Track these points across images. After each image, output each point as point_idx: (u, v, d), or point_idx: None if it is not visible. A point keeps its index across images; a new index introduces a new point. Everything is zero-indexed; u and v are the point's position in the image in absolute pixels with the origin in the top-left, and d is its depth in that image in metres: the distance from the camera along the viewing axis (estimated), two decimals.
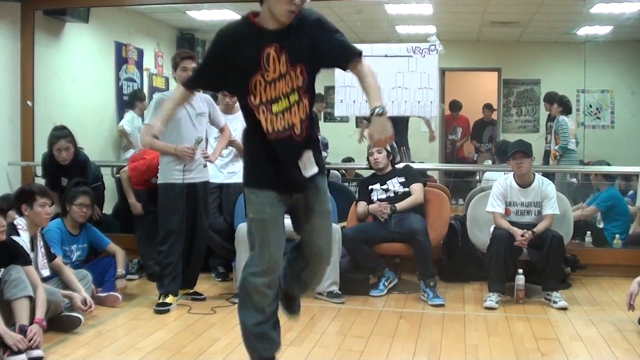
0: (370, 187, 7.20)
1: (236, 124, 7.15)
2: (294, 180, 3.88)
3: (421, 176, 7.46)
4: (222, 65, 3.79)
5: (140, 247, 7.28)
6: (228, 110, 7.20)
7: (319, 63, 3.85)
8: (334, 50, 3.82)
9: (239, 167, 7.20)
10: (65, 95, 9.29)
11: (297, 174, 3.85)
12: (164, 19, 11.85)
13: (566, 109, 10.05)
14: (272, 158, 3.82)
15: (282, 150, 3.81)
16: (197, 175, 6.28)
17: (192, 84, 4.09)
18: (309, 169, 3.89)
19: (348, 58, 3.87)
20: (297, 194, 3.98)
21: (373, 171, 7.31)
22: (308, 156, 3.88)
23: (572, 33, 11.73)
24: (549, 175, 7.91)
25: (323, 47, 3.78)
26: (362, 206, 7.18)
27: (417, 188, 7.03)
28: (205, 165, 6.34)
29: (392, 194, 7.05)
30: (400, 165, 7.41)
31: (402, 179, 7.11)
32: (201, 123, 6.31)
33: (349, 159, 10.57)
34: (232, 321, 5.81)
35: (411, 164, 7.72)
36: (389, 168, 7.23)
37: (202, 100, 6.37)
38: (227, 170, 7.18)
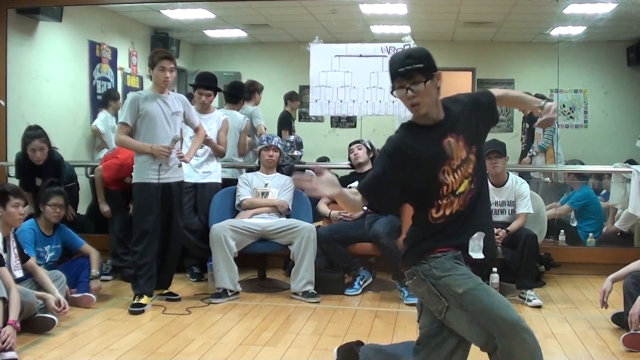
0: (348, 185, 7.21)
1: (211, 123, 7.16)
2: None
3: None
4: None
5: (113, 246, 7.28)
6: (204, 109, 7.20)
7: None
8: None
9: (214, 166, 7.22)
10: (39, 95, 9.23)
11: None
12: (138, 17, 11.79)
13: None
14: None
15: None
16: (172, 175, 6.26)
17: None
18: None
19: None
20: None
21: (353, 170, 7.34)
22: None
23: (546, 33, 11.79)
24: (524, 175, 7.97)
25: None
26: (323, 204, 7.22)
27: None
28: (180, 165, 6.32)
29: None
30: None
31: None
32: (176, 122, 6.28)
33: (324, 159, 10.58)
34: (207, 321, 5.82)
35: None
36: (369, 166, 7.24)
37: (176, 99, 6.35)
38: (202, 169, 7.17)
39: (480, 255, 3.59)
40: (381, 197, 3.62)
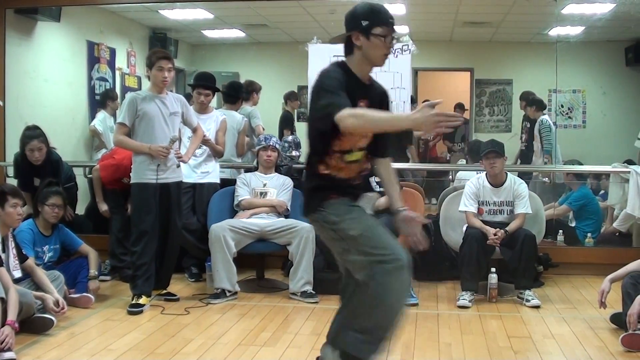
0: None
1: (210, 123, 7.16)
2: None
3: (398, 178, 7.47)
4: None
5: (112, 246, 7.29)
6: (202, 109, 7.20)
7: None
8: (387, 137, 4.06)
9: (212, 166, 7.22)
10: (37, 95, 9.22)
11: None
12: (136, 18, 11.79)
13: (541, 107, 10.15)
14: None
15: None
16: (170, 175, 6.25)
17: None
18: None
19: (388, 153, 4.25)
20: None
21: None
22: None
23: (544, 33, 11.78)
24: (523, 175, 7.97)
25: None
26: None
27: None
28: (178, 165, 6.31)
29: None
30: None
31: (379, 179, 7.11)
32: (174, 122, 6.28)
33: None
34: (205, 321, 5.81)
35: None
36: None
37: (175, 99, 6.35)
38: (201, 170, 7.17)
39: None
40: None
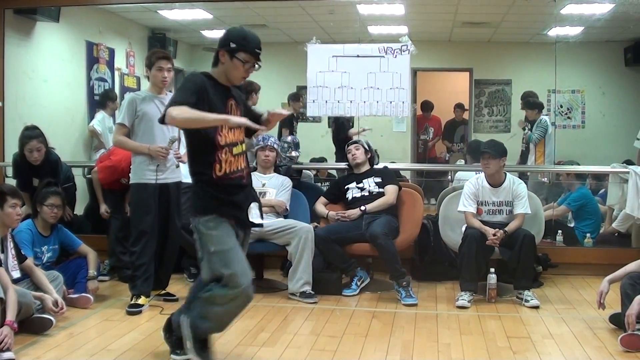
0: (346, 186, 7.22)
1: None
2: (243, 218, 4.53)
3: (397, 179, 7.48)
4: (200, 101, 4.19)
5: (112, 246, 7.28)
6: None
7: None
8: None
9: None
10: (36, 95, 9.22)
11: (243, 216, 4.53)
12: (135, 18, 11.78)
13: (539, 108, 10.15)
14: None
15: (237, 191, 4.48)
16: (170, 176, 6.25)
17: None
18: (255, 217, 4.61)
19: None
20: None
21: (350, 171, 7.35)
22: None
23: (543, 34, 11.78)
24: (522, 176, 7.98)
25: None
26: (320, 205, 7.24)
27: (390, 190, 7.06)
28: (177, 166, 6.31)
29: (366, 193, 7.08)
30: (379, 166, 7.45)
31: (379, 179, 7.15)
32: None
33: (321, 159, 10.57)
34: None
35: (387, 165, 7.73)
36: (367, 167, 7.27)
37: None
38: None
39: (260, 220, 4.64)
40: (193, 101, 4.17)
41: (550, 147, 9.87)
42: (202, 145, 4.29)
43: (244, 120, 4.14)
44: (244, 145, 4.51)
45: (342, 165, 7.74)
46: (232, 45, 4.28)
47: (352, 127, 9.28)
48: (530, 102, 10.36)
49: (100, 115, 9.86)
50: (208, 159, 4.29)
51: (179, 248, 6.73)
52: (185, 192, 6.86)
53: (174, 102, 4.10)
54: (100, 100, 10.22)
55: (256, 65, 4.40)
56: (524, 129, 10.38)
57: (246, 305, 4.42)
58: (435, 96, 14.12)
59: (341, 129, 9.45)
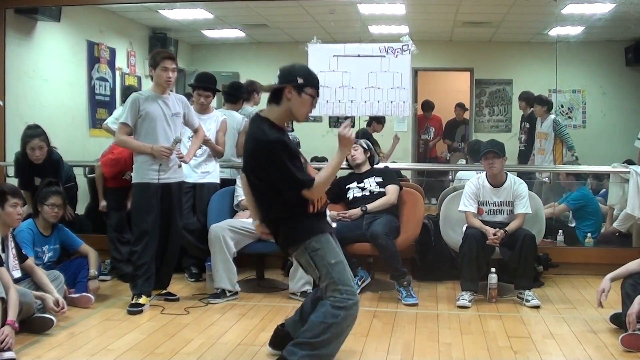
0: (347, 186, 7.22)
1: (210, 123, 7.16)
2: None
3: (398, 179, 7.48)
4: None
5: (110, 236, 7.29)
6: (203, 110, 7.19)
7: None
8: None
9: (212, 166, 7.21)
10: (37, 95, 9.23)
11: None
12: (136, 18, 11.79)
13: (550, 107, 10.15)
14: None
15: None
16: (172, 176, 6.25)
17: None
18: None
19: None
20: None
21: (351, 171, 7.35)
22: None
23: (544, 33, 11.79)
24: (523, 176, 7.97)
25: None
26: None
27: (391, 189, 7.05)
28: (180, 166, 6.31)
29: (367, 193, 7.08)
30: (380, 166, 7.45)
31: (380, 179, 7.14)
32: (176, 123, 6.27)
33: (322, 159, 10.56)
34: (205, 321, 5.82)
35: (389, 165, 7.73)
36: (367, 167, 7.27)
37: (177, 100, 6.35)
38: (201, 170, 7.17)
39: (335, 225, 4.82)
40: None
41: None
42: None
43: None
44: None
45: (342, 165, 7.71)
46: (300, 80, 4.34)
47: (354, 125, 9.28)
48: (543, 99, 10.32)
49: (118, 112, 9.69)
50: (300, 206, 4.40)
51: (180, 248, 6.74)
52: (186, 192, 6.89)
53: (308, 181, 4.29)
54: (123, 96, 9.95)
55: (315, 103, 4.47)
56: (521, 127, 10.41)
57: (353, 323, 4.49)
58: (436, 96, 14.12)
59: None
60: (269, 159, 4.27)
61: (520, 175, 7.85)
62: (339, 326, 4.32)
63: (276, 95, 4.39)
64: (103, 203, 7.45)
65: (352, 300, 4.33)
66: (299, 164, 4.28)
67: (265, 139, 4.27)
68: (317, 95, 4.43)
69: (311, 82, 4.37)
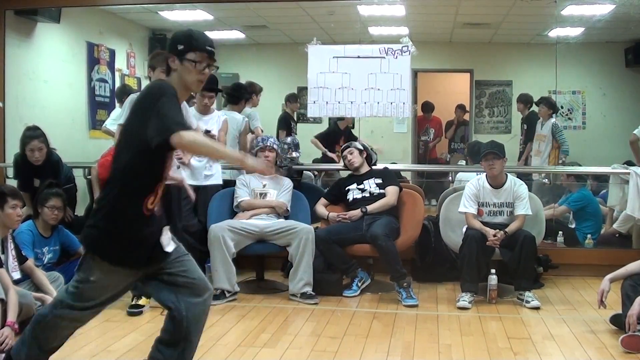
0: (347, 188, 7.22)
1: (212, 124, 7.14)
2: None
3: (398, 180, 7.48)
4: None
5: None
6: (205, 110, 7.18)
7: None
8: None
9: (215, 168, 7.18)
10: (37, 96, 9.22)
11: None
12: (136, 19, 11.80)
13: (555, 111, 10.15)
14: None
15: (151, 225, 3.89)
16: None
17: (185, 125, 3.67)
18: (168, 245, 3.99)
19: None
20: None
21: (351, 172, 7.35)
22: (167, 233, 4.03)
23: (544, 35, 11.80)
24: (522, 177, 7.97)
25: None
26: (320, 206, 7.24)
27: (391, 191, 7.06)
28: (178, 167, 6.29)
29: (367, 194, 7.08)
30: (379, 167, 7.45)
31: (379, 180, 7.15)
32: None
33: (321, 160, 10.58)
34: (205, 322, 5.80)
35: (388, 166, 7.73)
36: (367, 168, 7.27)
37: None
38: (204, 172, 7.13)
39: (172, 246, 4.00)
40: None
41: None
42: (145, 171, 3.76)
43: (260, 166, 3.91)
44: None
45: (339, 166, 7.72)
46: (180, 47, 3.78)
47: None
48: (551, 101, 10.30)
49: (116, 113, 9.68)
50: (138, 192, 3.78)
51: None
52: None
53: (179, 124, 3.51)
54: (118, 95, 10.00)
55: (210, 66, 3.87)
56: (522, 129, 10.42)
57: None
58: (436, 97, 14.13)
59: None
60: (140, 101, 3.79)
61: (518, 176, 7.85)
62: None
63: (167, 68, 3.87)
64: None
65: None
66: (183, 116, 3.69)
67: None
68: (207, 59, 3.81)
69: (191, 45, 3.78)
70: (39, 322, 3.88)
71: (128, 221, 3.73)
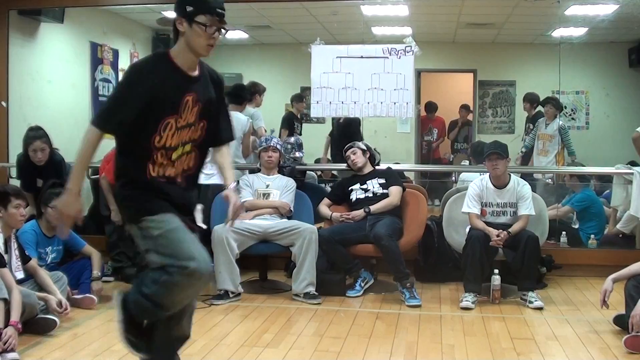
0: (350, 188, 7.21)
1: None
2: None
3: (401, 180, 7.48)
4: (141, 103, 3.64)
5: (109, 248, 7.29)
6: None
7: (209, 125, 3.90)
8: (223, 124, 4.07)
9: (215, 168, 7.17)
10: (40, 96, 9.23)
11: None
12: (139, 19, 11.80)
13: (561, 111, 10.14)
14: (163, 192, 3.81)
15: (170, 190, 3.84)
16: None
17: (110, 127, 3.85)
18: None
19: (228, 139, 4.22)
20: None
21: (354, 172, 7.35)
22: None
23: (547, 35, 11.79)
24: (526, 177, 7.97)
25: (217, 115, 3.96)
26: (324, 207, 7.23)
27: (395, 191, 7.05)
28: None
29: (370, 195, 7.08)
30: (382, 167, 7.45)
31: (382, 180, 7.14)
32: None
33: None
34: (208, 323, 5.81)
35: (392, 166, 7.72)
36: (370, 168, 7.27)
37: None
38: (206, 171, 7.12)
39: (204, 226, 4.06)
40: (124, 113, 3.72)
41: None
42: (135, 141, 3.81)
43: (70, 214, 3.93)
44: (188, 146, 3.86)
45: (343, 166, 7.71)
46: (189, 9, 3.63)
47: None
48: (558, 102, 10.28)
49: None
50: (138, 161, 3.82)
51: None
52: None
53: (99, 117, 3.84)
54: None
55: (222, 30, 3.76)
56: (526, 128, 10.40)
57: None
58: (439, 97, 14.13)
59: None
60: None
61: (522, 176, 7.85)
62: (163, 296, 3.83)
63: (174, 32, 3.76)
64: (117, 217, 7.18)
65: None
66: (122, 106, 3.71)
67: None
68: (216, 22, 3.71)
69: (201, 8, 3.64)
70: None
71: (139, 182, 3.77)
